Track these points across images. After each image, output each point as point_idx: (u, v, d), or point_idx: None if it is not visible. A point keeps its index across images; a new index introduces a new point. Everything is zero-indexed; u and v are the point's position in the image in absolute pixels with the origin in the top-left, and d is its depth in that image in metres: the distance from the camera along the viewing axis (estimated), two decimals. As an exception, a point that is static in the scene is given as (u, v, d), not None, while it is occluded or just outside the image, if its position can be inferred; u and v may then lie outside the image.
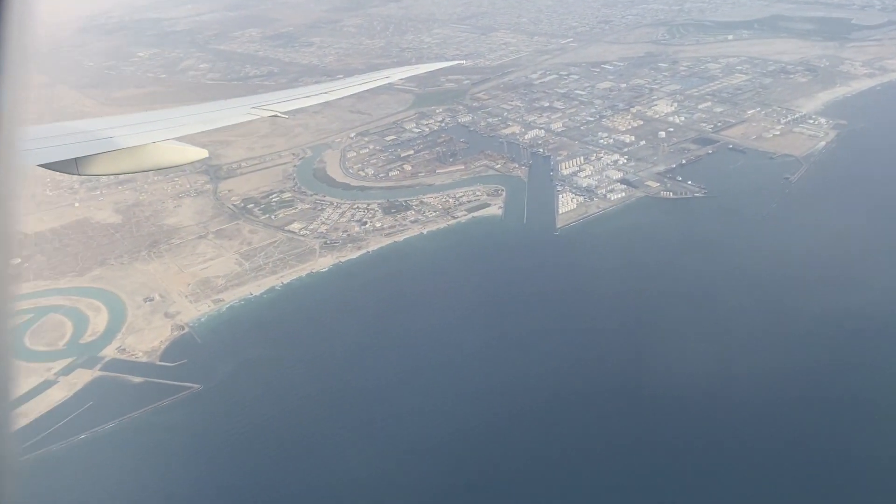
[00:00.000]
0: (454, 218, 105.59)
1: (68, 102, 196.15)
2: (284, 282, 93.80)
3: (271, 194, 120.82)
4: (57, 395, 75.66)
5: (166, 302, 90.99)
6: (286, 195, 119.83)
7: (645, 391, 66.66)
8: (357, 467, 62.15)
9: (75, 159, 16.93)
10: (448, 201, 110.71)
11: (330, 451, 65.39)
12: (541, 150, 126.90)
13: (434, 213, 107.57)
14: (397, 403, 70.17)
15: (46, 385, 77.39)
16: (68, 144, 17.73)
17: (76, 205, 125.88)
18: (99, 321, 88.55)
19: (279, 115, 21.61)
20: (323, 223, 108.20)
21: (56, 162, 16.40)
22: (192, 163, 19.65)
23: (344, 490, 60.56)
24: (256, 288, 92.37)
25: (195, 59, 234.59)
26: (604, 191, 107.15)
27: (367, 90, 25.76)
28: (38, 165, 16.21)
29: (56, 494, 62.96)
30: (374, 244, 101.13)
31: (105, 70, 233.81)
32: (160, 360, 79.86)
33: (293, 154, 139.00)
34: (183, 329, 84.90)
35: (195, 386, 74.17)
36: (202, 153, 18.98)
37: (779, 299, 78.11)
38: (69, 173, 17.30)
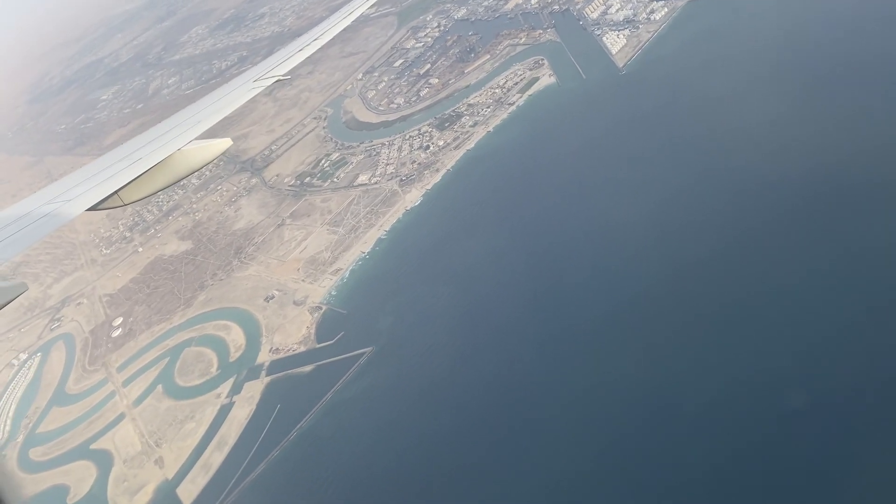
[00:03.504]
0: (511, 104, 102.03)
1: (67, 169, 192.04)
2: (386, 229, 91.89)
3: (319, 161, 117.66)
4: (242, 414, 75.46)
5: (287, 293, 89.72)
6: (334, 156, 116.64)
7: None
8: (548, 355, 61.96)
9: (117, 192, 17.22)
10: (495, 93, 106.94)
11: (523, 350, 65.01)
12: (556, 7, 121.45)
13: (489, 109, 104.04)
14: (564, 295, 69.16)
15: (225, 410, 77.18)
16: (105, 181, 17.76)
17: (140, 250, 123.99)
18: (235, 336, 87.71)
19: (282, 78, 21.48)
20: (387, 164, 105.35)
21: (101, 201, 16.86)
22: (221, 154, 19.81)
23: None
24: (364, 245, 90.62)
25: (160, 78, 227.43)
26: (644, 15, 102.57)
27: (349, 25, 24.60)
28: (86, 210, 16.59)
29: (306, 491, 63.51)
30: (449, 161, 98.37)
31: (81, 126, 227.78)
32: (318, 344, 79.08)
33: (315, 118, 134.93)
34: (321, 308, 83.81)
35: (368, 349, 73.35)
36: (227, 142, 19.21)
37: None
38: (115, 207, 18.02)
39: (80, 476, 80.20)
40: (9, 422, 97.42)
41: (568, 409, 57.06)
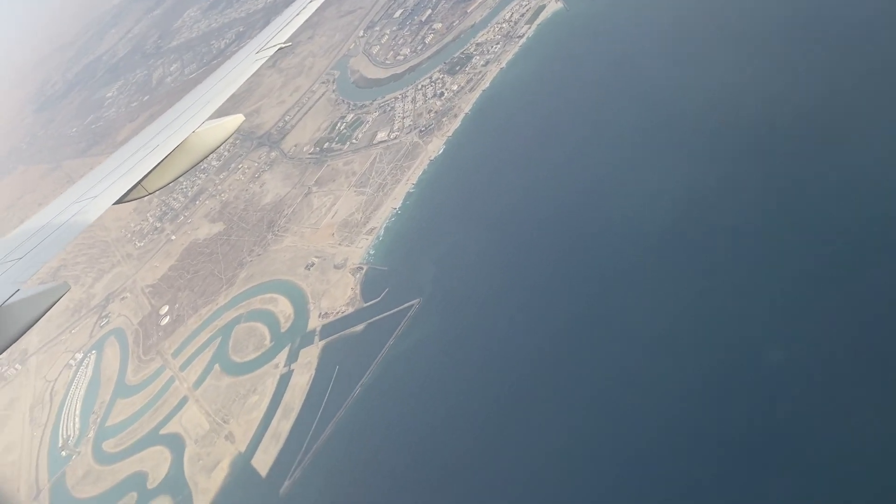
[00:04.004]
0: (520, 37, 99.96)
1: (86, 171, 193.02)
2: (413, 182, 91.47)
3: (335, 125, 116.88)
4: (302, 380, 76.76)
5: (326, 259, 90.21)
6: (349, 117, 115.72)
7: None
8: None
9: (140, 182, 17.78)
10: (502, 27, 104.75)
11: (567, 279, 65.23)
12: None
13: (498, 46, 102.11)
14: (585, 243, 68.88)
15: (285, 379, 78.51)
16: (126, 172, 18.27)
17: (173, 238, 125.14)
18: (283, 308, 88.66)
19: (283, 46, 21.84)
20: (404, 118, 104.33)
21: (126, 193, 17.44)
22: (236, 132, 20.20)
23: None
24: (394, 202, 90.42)
25: (161, 66, 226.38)
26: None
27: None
28: (113, 204, 17.22)
29: (375, 447, 64.93)
30: (466, 104, 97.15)
31: (91, 126, 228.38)
32: (365, 303, 79.70)
33: (323, 83, 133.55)
34: (362, 269, 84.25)
35: (415, 301, 73.82)
36: (239, 118, 19.60)
37: None
38: (141, 197, 18.63)
39: (156, 461, 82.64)
40: (77, 419, 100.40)
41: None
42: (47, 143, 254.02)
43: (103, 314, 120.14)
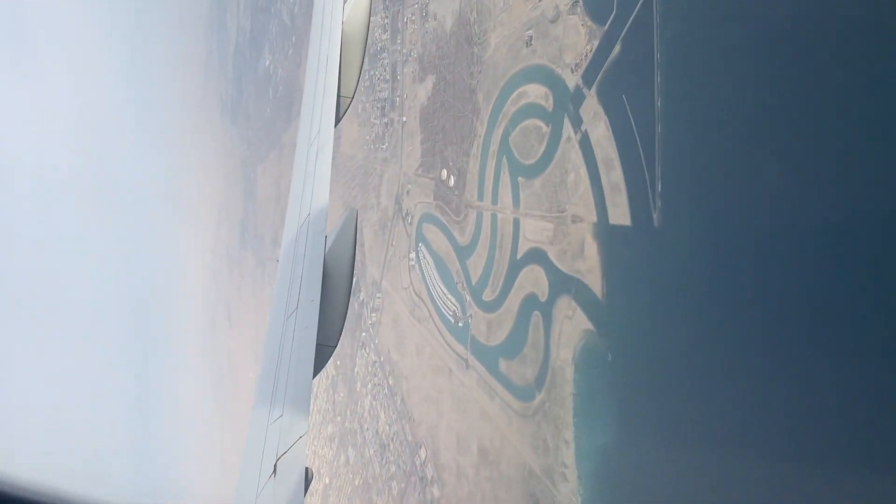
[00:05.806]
0: None
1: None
2: None
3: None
4: (601, 132, 74.47)
5: (538, 24, 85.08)
6: None
7: None
8: None
9: (339, 95, 19.12)
10: None
11: None
12: None
13: None
14: None
15: (585, 142, 76.81)
16: (322, 95, 19.36)
17: (404, 119, 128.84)
18: (535, 91, 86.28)
19: None
20: None
21: (337, 111, 19.15)
22: None
23: None
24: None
25: (284, 8, 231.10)
26: None
27: None
28: (335, 126, 18.96)
29: (709, 129, 61.20)
30: None
31: (277, 97, 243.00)
32: (603, 26, 73.78)
33: None
34: (575, 9, 77.82)
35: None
36: None
37: None
38: (349, 106, 20.34)
39: (533, 279, 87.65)
40: (450, 295, 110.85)
41: None
42: (258, 136, 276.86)
43: (404, 214, 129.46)
